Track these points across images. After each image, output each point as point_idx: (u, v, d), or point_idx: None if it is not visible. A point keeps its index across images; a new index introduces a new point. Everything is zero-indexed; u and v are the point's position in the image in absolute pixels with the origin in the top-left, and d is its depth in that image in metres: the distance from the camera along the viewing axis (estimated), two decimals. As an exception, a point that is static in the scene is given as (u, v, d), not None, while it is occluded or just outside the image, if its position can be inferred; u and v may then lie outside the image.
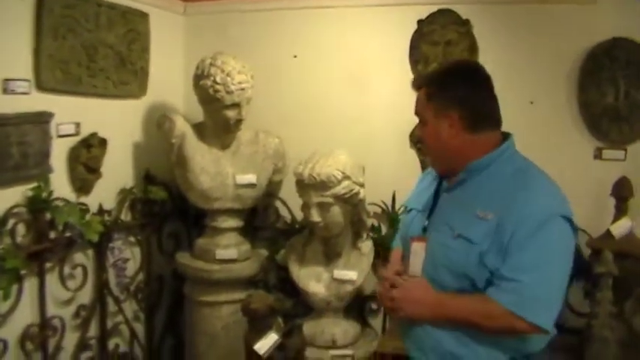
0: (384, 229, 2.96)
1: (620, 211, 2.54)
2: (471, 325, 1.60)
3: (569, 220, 1.61)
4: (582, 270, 2.43)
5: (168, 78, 3.07)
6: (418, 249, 1.78)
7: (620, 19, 2.63)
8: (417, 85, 1.84)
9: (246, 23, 3.19)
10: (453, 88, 1.71)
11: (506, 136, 1.78)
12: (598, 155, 2.72)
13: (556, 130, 2.76)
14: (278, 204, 3.19)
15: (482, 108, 1.72)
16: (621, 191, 2.53)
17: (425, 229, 1.79)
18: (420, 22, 2.86)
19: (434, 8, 2.84)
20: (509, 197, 1.60)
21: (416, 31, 2.88)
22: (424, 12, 2.86)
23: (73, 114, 2.53)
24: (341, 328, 2.66)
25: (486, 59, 2.80)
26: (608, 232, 2.52)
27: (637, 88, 2.63)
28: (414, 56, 2.88)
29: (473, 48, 2.80)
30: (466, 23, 2.80)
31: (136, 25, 2.80)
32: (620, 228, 2.50)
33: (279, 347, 2.35)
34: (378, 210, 2.98)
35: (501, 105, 2.74)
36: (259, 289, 3.06)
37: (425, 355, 1.74)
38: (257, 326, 2.34)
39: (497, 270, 1.57)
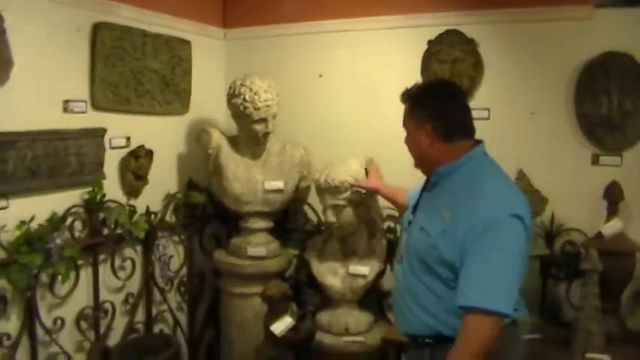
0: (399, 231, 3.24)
1: (611, 213, 2.73)
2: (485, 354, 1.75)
3: (518, 217, 1.80)
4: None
5: (210, 97, 3.46)
6: (403, 239, 2.13)
7: (614, 34, 2.82)
8: (403, 100, 2.09)
9: (279, 46, 3.59)
10: (427, 104, 2.00)
11: (479, 143, 2.05)
12: (595, 161, 2.91)
13: (556, 138, 2.97)
14: (307, 208, 3.53)
15: (453, 121, 1.98)
16: (612, 195, 2.73)
17: (410, 222, 2.10)
18: (430, 42, 3.15)
19: (442, 29, 3.12)
20: (464, 201, 1.86)
21: (426, 51, 3.17)
22: (434, 33, 3.15)
23: (124, 129, 2.97)
24: (354, 318, 2.97)
25: (491, 74, 3.08)
26: (600, 233, 2.72)
27: (629, 99, 2.81)
28: (425, 73, 3.17)
29: (478, 64, 3.06)
30: (471, 42, 3.06)
31: (178, 51, 3.23)
32: (610, 229, 2.69)
33: (292, 329, 2.69)
34: (396, 213, 3.26)
35: (505, 116, 3.04)
36: (291, 283, 3.42)
37: (407, 328, 2.06)
38: (273, 310, 2.69)
39: (455, 266, 1.83)
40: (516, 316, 1.97)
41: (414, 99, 2.05)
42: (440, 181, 2.01)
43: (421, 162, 2.09)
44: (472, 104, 3.06)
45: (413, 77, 3.16)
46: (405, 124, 2.09)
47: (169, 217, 3.29)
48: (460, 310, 1.78)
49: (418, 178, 3.11)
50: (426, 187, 2.11)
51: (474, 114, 3.09)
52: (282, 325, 2.64)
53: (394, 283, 2.18)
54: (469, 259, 1.79)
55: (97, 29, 2.75)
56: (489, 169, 1.98)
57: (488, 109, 3.06)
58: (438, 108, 1.98)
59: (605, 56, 2.83)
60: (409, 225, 2.11)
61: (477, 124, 3.09)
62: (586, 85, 2.88)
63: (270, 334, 2.65)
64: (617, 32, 2.83)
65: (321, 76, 3.49)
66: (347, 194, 2.84)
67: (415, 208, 2.12)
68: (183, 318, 3.47)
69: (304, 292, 3.42)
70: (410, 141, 2.09)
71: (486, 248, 1.77)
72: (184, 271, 3.43)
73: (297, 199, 3.44)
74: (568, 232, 2.94)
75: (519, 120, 3.03)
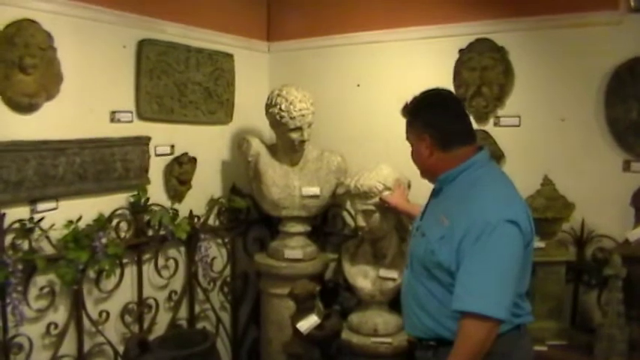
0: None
1: (639, 220, 2.70)
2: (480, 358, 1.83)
3: (514, 222, 1.85)
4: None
5: (254, 107, 3.61)
6: (410, 245, 2.22)
7: (643, 39, 2.79)
8: (402, 114, 2.19)
9: (320, 58, 3.74)
10: (422, 115, 2.08)
11: (481, 149, 2.10)
12: (627, 168, 2.86)
13: (586, 144, 2.94)
14: (345, 214, 3.64)
15: (449, 129, 2.04)
16: (638, 201, 2.70)
17: (417, 229, 2.19)
18: (461, 50, 3.21)
19: (473, 38, 3.17)
20: (461, 207, 1.92)
21: (458, 59, 3.22)
22: (465, 42, 3.20)
23: (169, 138, 3.19)
24: (383, 319, 3.04)
25: (521, 81, 3.09)
26: (627, 239, 2.69)
27: (659, 104, 2.77)
28: (456, 81, 3.22)
29: (508, 72, 3.09)
30: (500, 50, 3.09)
31: (221, 64, 3.44)
32: (636, 235, 2.65)
33: (318, 327, 2.81)
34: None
35: (536, 123, 3.05)
36: (329, 286, 3.55)
37: (413, 330, 2.15)
38: (300, 309, 2.82)
39: (452, 271, 1.90)
40: (519, 322, 2.01)
41: (410, 112, 2.13)
42: (443, 187, 2.08)
43: (425, 172, 2.17)
44: (503, 112, 3.17)
45: (445, 85, 3.22)
46: (407, 138, 2.18)
47: (213, 221, 3.49)
48: (457, 314, 1.86)
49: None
50: (433, 194, 2.19)
51: (505, 121, 3.18)
52: (307, 323, 2.77)
53: (402, 288, 2.26)
54: (464, 263, 1.86)
55: (142, 46, 2.98)
56: (489, 175, 2.03)
57: (519, 117, 3.08)
58: (433, 118, 2.06)
59: (633, 61, 2.79)
60: (416, 231, 2.19)
61: (508, 131, 3.17)
62: (615, 91, 2.84)
63: (297, 332, 2.78)
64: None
65: (358, 85, 3.60)
66: (376, 199, 2.94)
67: (423, 214, 2.20)
68: (226, 317, 3.65)
69: (342, 295, 3.53)
70: (413, 153, 2.17)
71: (481, 253, 1.83)
72: (227, 272, 3.62)
73: (335, 204, 3.56)
74: (600, 238, 2.91)
75: (550, 127, 3.02)
